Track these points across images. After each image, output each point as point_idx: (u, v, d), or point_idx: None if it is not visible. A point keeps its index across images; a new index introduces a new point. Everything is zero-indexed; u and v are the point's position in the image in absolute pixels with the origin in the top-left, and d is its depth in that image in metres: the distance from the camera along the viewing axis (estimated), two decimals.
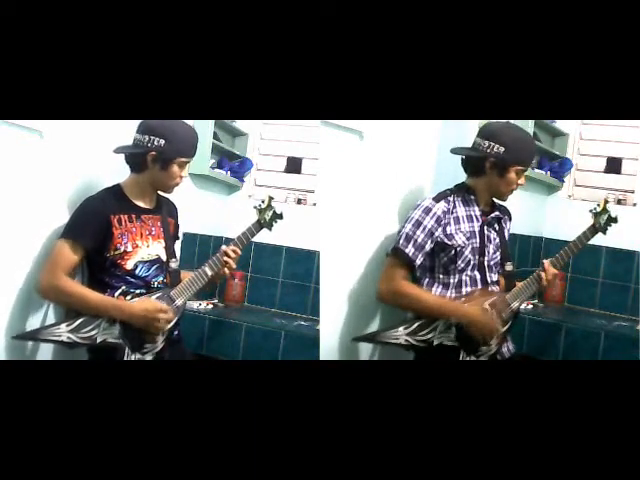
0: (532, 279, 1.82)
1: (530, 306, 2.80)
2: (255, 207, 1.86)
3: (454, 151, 1.87)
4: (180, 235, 1.95)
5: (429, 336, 1.73)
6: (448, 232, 1.75)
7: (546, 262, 1.83)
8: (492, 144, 1.75)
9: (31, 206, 1.64)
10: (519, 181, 1.78)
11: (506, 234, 1.90)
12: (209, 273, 1.77)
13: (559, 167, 3.16)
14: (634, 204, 3.00)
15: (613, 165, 3.11)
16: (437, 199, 1.78)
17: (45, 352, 1.75)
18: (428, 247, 1.75)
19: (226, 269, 1.79)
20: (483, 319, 1.72)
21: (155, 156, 1.69)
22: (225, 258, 1.77)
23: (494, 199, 1.87)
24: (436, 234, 1.75)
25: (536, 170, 2.99)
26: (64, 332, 1.58)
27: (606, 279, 3.02)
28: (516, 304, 1.79)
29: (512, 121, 2.63)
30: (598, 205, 1.85)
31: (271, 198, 1.86)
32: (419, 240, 1.74)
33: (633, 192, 3.03)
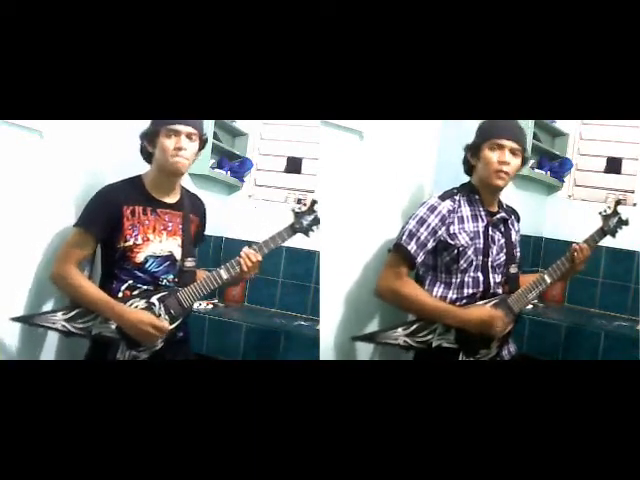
0: (535, 282, 1.79)
1: (530, 306, 2.79)
2: (292, 210, 1.73)
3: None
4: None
5: (428, 337, 1.72)
6: (452, 231, 1.74)
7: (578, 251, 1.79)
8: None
9: (31, 206, 1.64)
10: (500, 158, 1.72)
11: (513, 235, 1.87)
12: (224, 276, 1.68)
13: (559, 167, 3.16)
14: (634, 204, 3.00)
15: (613, 165, 3.11)
16: (443, 198, 1.76)
17: (51, 342, 1.75)
18: (430, 245, 1.73)
19: (245, 275, 1.69)
20: (482, 324, 1.70)
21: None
22: (244, 262, 1.67)
23: (501, 199, 1.85)
24: (439, 233, 1.73)
25: (536, 170, 3.00)
26: (59, 320, 1.59)
27: (606, 279, 3.02)
28: (519, 307, 1.77)
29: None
30: (608, 207, 1.81)
31: (314, 202, 1.74)
32: (422, 238, 1.72)
33: (633, 192, 3.03)
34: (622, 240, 2.83)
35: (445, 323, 1.72)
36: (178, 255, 1.72)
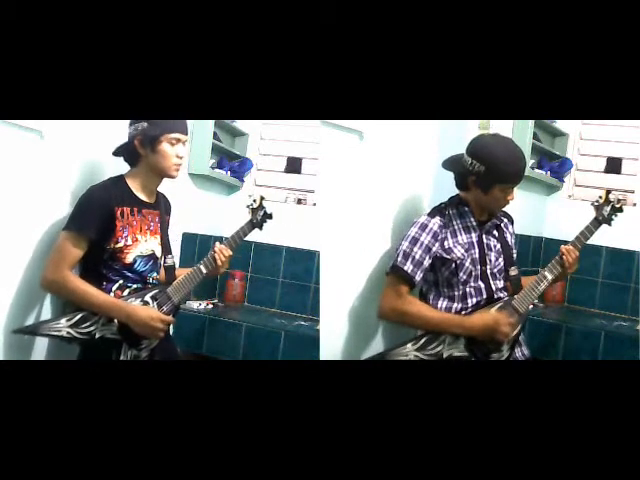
0: (537, 280, 1.79)
1: (530, 306, 2.79)
2: (247, 206, 1.88)
3: (444, 165, 1.86)
4: (170, 234, 1.91)
5: (438, 349, 1.72)
6: (446, 246, 1.75)
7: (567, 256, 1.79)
8: (474, 162, 1.72)
9: (31, 206, 1.64)
10: (507, 197, 1.76)
11: (509, 238, 1.88)
12: (204, 271, 1.77)
13: (559, 167, 3.16)
14: (634, 204, 3.00)
15: (613, 165, 3.11)
16: (432, 214, 1.78)
17: (42, 347, 1.74)
18: (427, 263, 1.74)
19: (219, 269, 1.80)
20: (487, 328, 1.71)
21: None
22: (219, 257, 1.77)
23: None
24: (434, 249, 1.74)
25: (536, 170, 3.00)
26: (64, 327, 1.58)
27: (606, 279, 3.02)
28: (524, 307, 1.78)
29: (514, 121, 2.66)
30: (600, 197, 1.82)
31: (262, 198, 1.89)
32: (417, 257, 1.73)
33: (633, 192, 3.03)
34: (622, 240, 2.87)
35: (452, 333, 1.72)
36: (159, 253, 1.77)
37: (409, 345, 1.72)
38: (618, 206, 1.81)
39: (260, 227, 1.88)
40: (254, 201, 1.88)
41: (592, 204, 1.83)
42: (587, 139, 3.19)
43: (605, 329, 2.51)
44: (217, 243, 1.81)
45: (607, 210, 1.81)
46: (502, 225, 1.87)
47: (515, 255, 1.89)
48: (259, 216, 1.87)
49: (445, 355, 1.72)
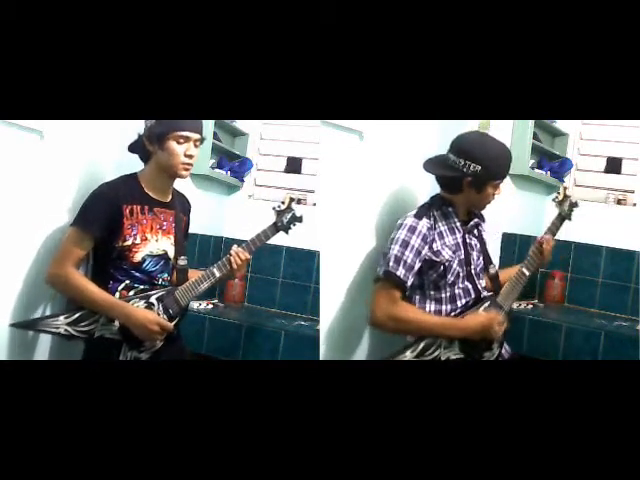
0: (516, 277, 1.82)
1: (530, 306, 2.80)
2: (274, 208, 1.80)
3: (428, 169, 1.82)
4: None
5: (435, 354, 1.72)
6: (435, 249, 1.74)
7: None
8: (468, 163, 1.71)
9: (31, 207, 1.64)
10: (497, 193, 1.78)
11: (485, 236, 1.89)
12: (217, 275, 1.73)
13: (559, 167, 3.16)
14: (634, 204, 3.00)
15: (613, 165, 3.10)
16: (419, 216, 1.75)
17: (45, 345, 1.74)
18: (417, 267, 1.72)
19: (235, 272, 1.75)
20: (484, 328, 1.72)
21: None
22: (235, 260, 1.72)
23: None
24: (423, 252, 1.72)
25: (536, 170, 3.00)
26: (62, 324, 1.58)
27: (606, 279, 3.02)
28: (508, 304, 1.80)
29: (514, 121, 2.66)
30: (559, 193, 1.88)
31: (292, 199, 1.81)
32: (408, 261, 1.70)
33: (633, 192, 3.02)
34: (622, 240, 2.87)
35: (448, 337, 1.72)
36: (171, 254, 1.74)
37: (408, 352, 1.71)
38: (574, 201, 1.88)
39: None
40: (282, 203, 1.80)
41: (553, 201, 1.89)
42: (587, 139, 3.18)
43: (605, 329, 2.51)
44: (235, 246, 1.75)
45: (567, 205, 1.86)
46: (479, 225, 1.88)
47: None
48: (285, 219, 1.79)
49: (442, 359, 1.72)
